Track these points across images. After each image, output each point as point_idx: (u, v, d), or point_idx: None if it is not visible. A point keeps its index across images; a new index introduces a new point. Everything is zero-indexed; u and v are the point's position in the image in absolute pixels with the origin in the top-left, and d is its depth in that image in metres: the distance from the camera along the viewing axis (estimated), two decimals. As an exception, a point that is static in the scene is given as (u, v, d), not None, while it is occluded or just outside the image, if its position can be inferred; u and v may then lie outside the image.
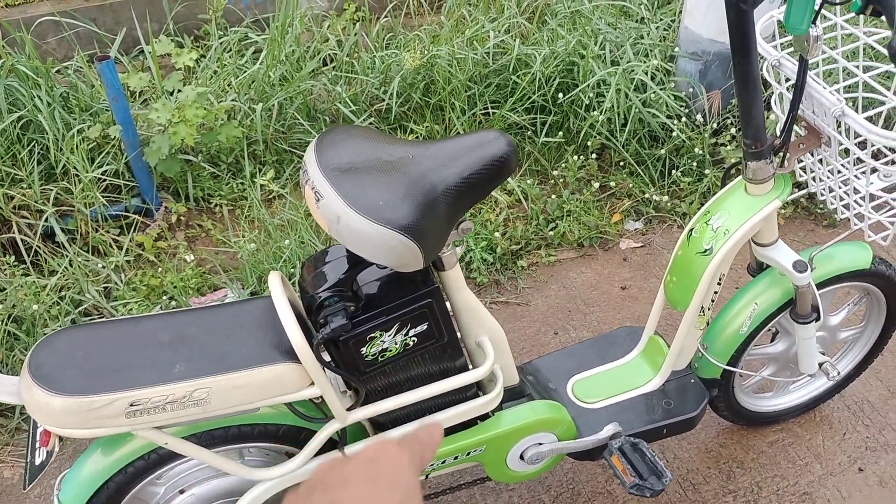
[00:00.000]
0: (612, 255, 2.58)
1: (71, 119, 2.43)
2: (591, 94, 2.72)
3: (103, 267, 2.25)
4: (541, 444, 1.57)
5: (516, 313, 2.38)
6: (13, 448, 2.01)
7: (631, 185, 2.72)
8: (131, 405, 1.15)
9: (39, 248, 2.23)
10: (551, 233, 2.57)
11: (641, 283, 2.46)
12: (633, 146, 2.75)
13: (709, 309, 1.61)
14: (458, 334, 1.42)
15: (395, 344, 1.30)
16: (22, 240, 2.22)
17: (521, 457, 1.58)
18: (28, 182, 2.25)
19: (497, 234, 2.46)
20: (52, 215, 2.25)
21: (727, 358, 1.69)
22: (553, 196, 2.65)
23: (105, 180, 2.40)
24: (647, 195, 2.69)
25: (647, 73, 2.71)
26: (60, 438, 1.21)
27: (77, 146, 2.28)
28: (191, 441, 1.28)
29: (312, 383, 1.26)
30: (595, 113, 2.68)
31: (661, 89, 2.72)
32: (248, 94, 2.71)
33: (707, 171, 2.66)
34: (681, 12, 2.90)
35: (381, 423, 1.43)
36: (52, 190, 2.29)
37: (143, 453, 1.31)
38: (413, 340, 1.31)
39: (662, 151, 2.72)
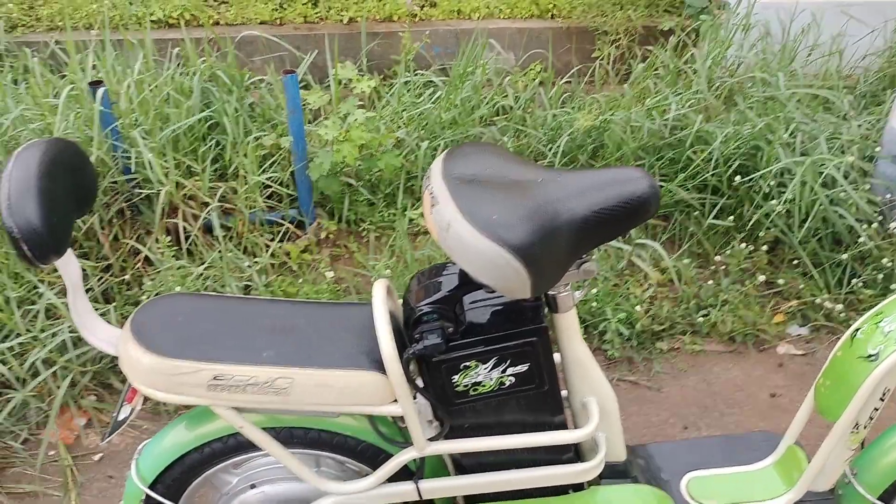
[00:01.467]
0: (767, 358, 2.33)
1: (252, 126, 2.58)
2: (772, 183, 2.52)
3: (249, 266, 2.34)
4: (638, 533, 1.40)
5: (644, 396, 2.19)
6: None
7: (802, 287, 2.46)
8: (215, 378, 1.14)
9: (197, 237, 2.35)
10: (700, 319, 2.36)
11: (796, 395, 2.19)
12: (812, 245, 2.50)
13: (865, 427, 1.38)
14: (563, 390, 1.30)
15: (490, 379, 1.21)
16: (184, 227, 2.36)
17: (613, 545, 1.41)
18: (201, 177, 2.40)
19: (639, 308, 2.30)
20: (216, 209, 2.38)
21: (880, 491, 1.43)
22: (710, 282, 2.45)
23: (270, 187, 2.52)
24: (818, 300, 2.42)
25: (839, 169, 2.47)
26: (145, 399, 1.22)
27: (251, 151, 2.41)
28: (269, 434, 1.25)
29: (396, 400, 1.19)
30: (773, 202, 2.47)
31: (853, 188, 2.46)
32: (417, 132, 2.76)
33: (894, 287, 2.36)
34: (889, 113, 2.64)
35: (463, 466, 1.33)
36: (220, 187, 2.43)
37: (222, 435, 1.30)
38: (510, 380, 1.22)
39: (845, 256, 2.44)
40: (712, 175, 2.64)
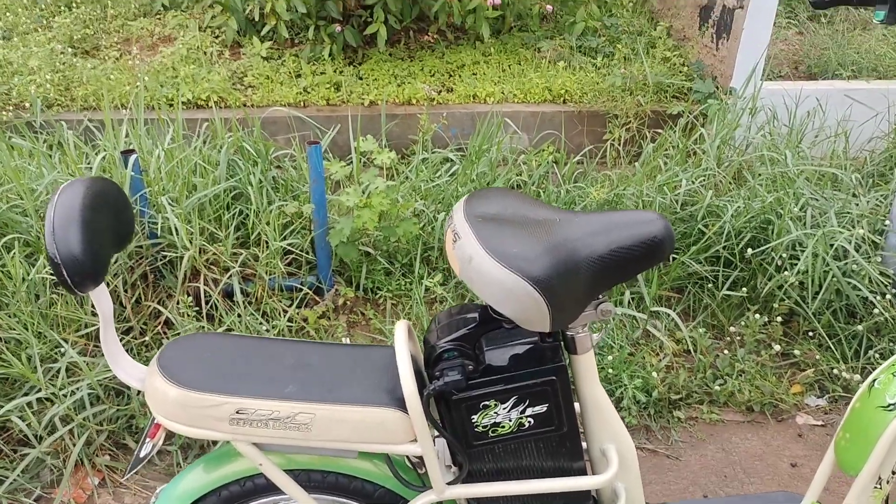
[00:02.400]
0: (786, 428, 2.30)
1: (275, 197, 2.66)
2: (785, 255, 2.55)
3: (267, 330, 2.37)
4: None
5: (664, 465, 2.16)
6: (139, 479, 2.08)
7: (818, 357, 2.46)
8: (237, 412, 1.15)
9: (217, 301, 2.39)
10: (717, 388, 2.35)
11: (816, 464, 2.16)
12: (827, 317, 2.51)
13: (888, 482, 1.36)
14: (582, 435, 1.31)
15: (510, 420, 1.22)
16: (205, 291, 2.40)
17: None
18: (224, 243, 2.46)
19: (655, 375, 2.30)
20: (237, 275, 2.42)
21: (908, 551, 1.40)
22: (726, 352, 2.45)
23: (290, 253, 2.58)
24: (835, 370, 2.41)
25: (850, 242, 2.51)
26: (167, 436, 1.24)
27: (273, 218, 2.48)
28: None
29: (415, 440, 1.20)
30: (786, 273, 2.49)
31: (865, 260, 2.49)
32: (434, 204, 2.84)
33: (911, 357, 2.35)
34: (896, 189, 2.70)
35: (482, 512, 1.32)
36: (241, 253, 2.49)
37: (241, 478, 1.30)
38: (529, 421, 1.22)
39: (860, 328, 2.45)
40: (724, 248, 2.68)
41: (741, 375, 2.39)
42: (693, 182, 2.89)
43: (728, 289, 2.63)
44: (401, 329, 1.23)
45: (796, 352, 2.47)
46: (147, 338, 2.33)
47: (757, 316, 2.49)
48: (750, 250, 2.62)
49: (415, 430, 1.18)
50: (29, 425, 2.00)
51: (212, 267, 2.49)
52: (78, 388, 2.06)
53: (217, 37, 4.20)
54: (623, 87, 3.73)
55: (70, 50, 3.89)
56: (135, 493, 2.04)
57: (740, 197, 2.77)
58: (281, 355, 1.27)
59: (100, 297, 1.14)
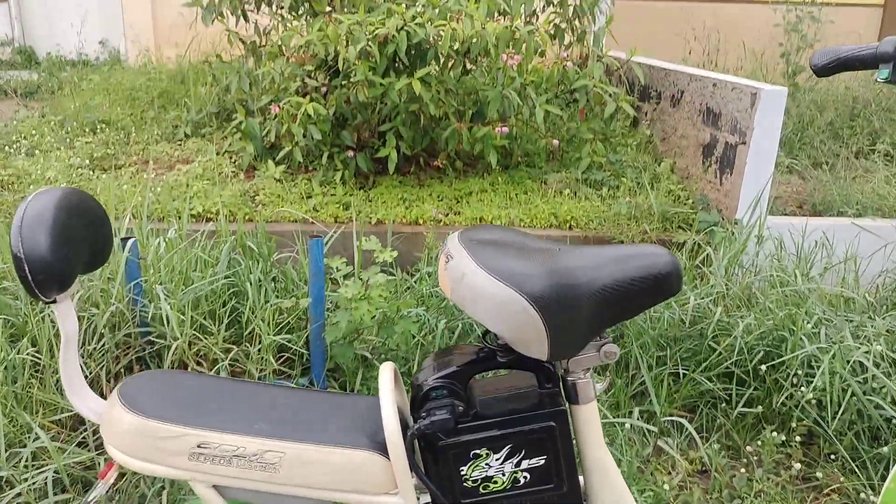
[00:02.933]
0: (813, 557, 2.09)
1: (273, 296, 2.61)
2: (800, 373, 2.43)
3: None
4: None
5: (678, 590, 1.94)
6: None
7: (843, 481, 2.27)
8: (199, 446, 1.04)
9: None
10: (735, 506, 2.16)
11: None
12: (849, 438, 2.35)
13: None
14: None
15: (503, 474, 1.09)
16: (191, 384, 2.29)
17: None
18: (216, 337, 2.38)
19: (667, 487, 2.12)
20: (225, 369, 2.32)
21: None
22: (743, 470, 2.28)
23: (285, 350, 2.49)
24: (862, 495, 2.22)
25: (868, 359, 2.40)
26: (120, 474, 1.11)
27: (269, 314, 2.41)
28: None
29: (396, 490, 1.07)
30: (804, 389, 2.37)
31: (886, 377, 2.37)
32: (436, 312, 2.77)
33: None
34: (913, 308, 2.62)
35: (470, 592, 1.15)
36: (234, 349, 2.40)
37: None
38: (525, 476, 1.10)
39: (885, 450, 2.28)
40: (736, 364, 2.57)
41: (760, 496, 2.20)
42: (701, 299, 2.82)
43: (743, 406, 2.49)
44: (386, 370, 1.14)
45: (818, 474, 2.29)
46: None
47: (774, 434, 2.34)
48: (763, 367, 2.50)
49: (396, 477, 1.06)
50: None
51: (200, 361, 2.39)
52: (42, 474, 1.91)
53: (234, 161, 4.33)
54: (628, 215, 3.75)
55: (88, 163, 4.00)
56: None
57: (751, 314, 2.70)
58: (254, 395, 1.17)
59: (64, 312, 1.07)
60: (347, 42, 3.38)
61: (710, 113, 4.01)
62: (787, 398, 2.44)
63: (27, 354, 2.14)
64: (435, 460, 1.09)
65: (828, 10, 5.54)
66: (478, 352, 1.11)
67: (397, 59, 3.74)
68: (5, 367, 2.12)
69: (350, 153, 4.05)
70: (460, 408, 1.08)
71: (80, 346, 2.22)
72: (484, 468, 1.09)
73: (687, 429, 2.50)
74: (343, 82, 3.73)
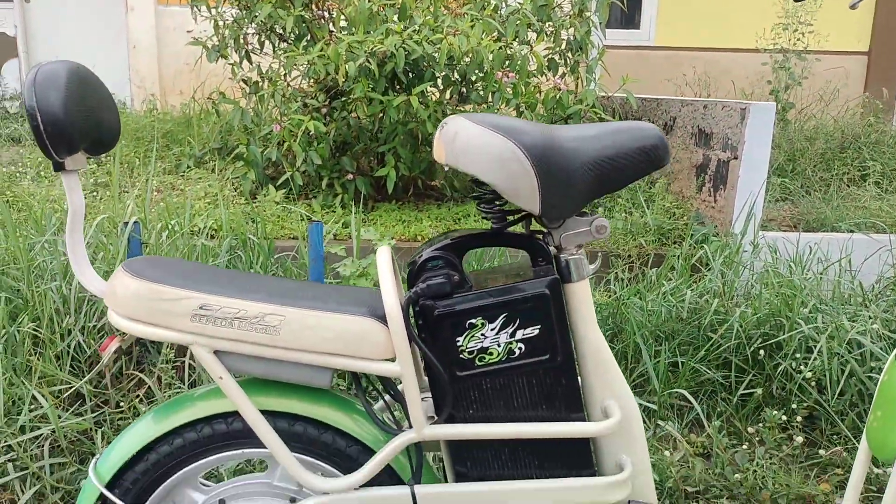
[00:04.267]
0: (818, 528, 2.05)
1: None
2: (798, 356, 2.44)
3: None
4: (676, 584, 1.14)
5: (682, 554, 1.90)
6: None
7: (845, 456, 2.25)
8: (201, 307, 1.07)
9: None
10: (738, 476, 2.13)
11: (857, 559, 1.89)
12: (851, 418, 2.34)
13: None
14: (580, 384, 1.18)
15: (498, 346, 1.11)
16: (189, 364, 2.30)
17: None
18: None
19: (668, 455, 2.10)
20: (225, 351, 2.33)
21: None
22: (745, 446, 2.26)
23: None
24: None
25: (866, 335, 2.41)
26: (118, 350, 1.13)
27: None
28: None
29: (393, 359, 1.09)
30: (804, 369, 2.37)
31: (884, 353, 2.37)
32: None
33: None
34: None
35: (463, 474, 1.15)
36: (233, 333, 2.41)
37: (196, 419, 1.16)
38: (519, 348, 1.11)
39: (888, 426, 2.27)
40: (734, 353, 2.57)
41: (763, 469, 2.17)
42: (700, 294, 2.84)
43: (742, 392, 2.48)
44: (384, 251, 1.17)
45: (822, 451, 2.27)
46: (123, 407, 2.19)
47: (775, 413, 2.33)
48: (762, 352, 2.51)
49: (394, 344, 1.08)
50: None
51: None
52: (43, 437, 1.90)
53: (236, 188, 4.40)
54: (625, 230, 3.81)
55: (92, 184, 4.07)
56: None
57: (747, 304, 2.71)
58: (255, 277, 1.19)
59: (72, 184, 1.11)
60: (347, 60, 3.50)
61: (701, 134, 4.11)
62: (786, 381, 2.44)
63: (28, 328, 2.15)
64: (431, 332, 1.11)
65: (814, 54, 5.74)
66: (472, 236, 1.15)
67: (396, 81, 3.86)
68: (6, 340, 2.13)
69: (350, 177, 4.12)
70: (455, 277, 1.10)
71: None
72: (479, 339, 1.11)
73: (686, 415, 2.49)
74: (343, 101, 3.84)
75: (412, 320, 1.11)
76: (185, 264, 1.20)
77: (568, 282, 1.16)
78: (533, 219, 1.18)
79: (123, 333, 1.16)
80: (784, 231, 4.10)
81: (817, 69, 5.67)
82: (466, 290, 1.11)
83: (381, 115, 3.80)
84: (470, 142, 1.04)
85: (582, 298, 1.17)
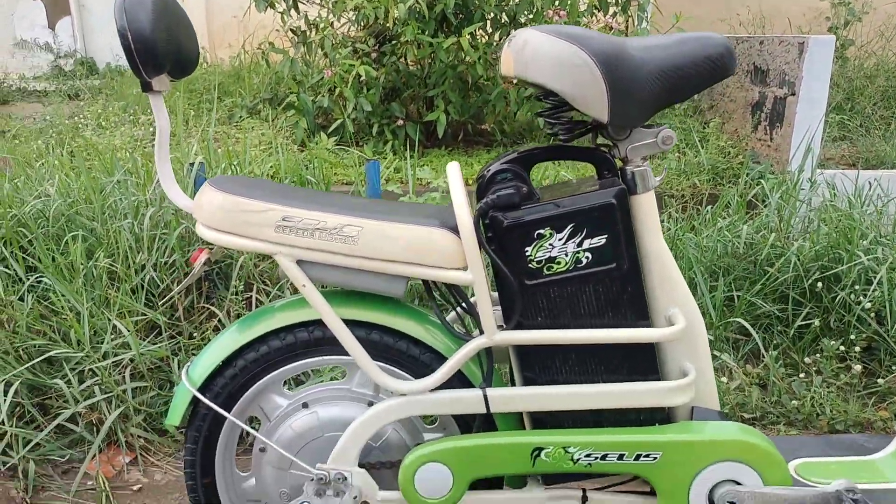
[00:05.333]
0: (876, 453, 2.06)
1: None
2: (857, 287, 2.42)
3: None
4: (739, 482, 1.19)
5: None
6: (172, 460, 1.97)
7: (905, 385, 2.25)
8: (284, 219, 1.13)
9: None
10: (794, 403, 2.15)
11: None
12: (911, 348, 2.33)
13: None
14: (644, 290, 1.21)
15: (565, 255, 1.15)
16: (256, 300, 2.39)
17: (711, 501, 1.20)
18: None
19: (724, 381, 2.13)
20: (288, 288, 2.41)
21: None
22: (803, 374, 2.28)
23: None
24: (927, 398, 2.19)
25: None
26: (208, 260, 1.20)
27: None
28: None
29: (465, 268, 1.13)
30: (863, 300, 2.36)
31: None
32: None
33: None
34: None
35: (531, 379, 1.20)
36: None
37: (280, 327, 1.23)
38: (586, 257, 1.15)
39: (949, 356, 2.26)
40: (792, 287, 2.56)
41: (820, 396, 2.19)
42: (756, 230, 2.83)
43: (799, 329, 2.48)
44: (454, 166, 1.21)
45: (880, 381, 2.27)
46: (196, 338, 2.30)
47: (833, 343, 2.33)
48: (819, 284, 2.50)
49: (466, 253, 1.12)
50: (69, 384, 1.95)
51: (266, 281, 2.49)
52: (123, 360, 2.02)
53: (288, 136, 4.47)
54: (678, 170, 3.77)
55: (151, 133, 4.19)
56: (165, 471, 1.93)
57: (805, 238, 2.69)
58: (331, 195, 1.25)
59: (158, 105, 1.17)
60: (397, 2, 3.51)
61: (757, 71, 4.02)
62: (844, 312, 2.43)
63: (104, 264, 2.26)
64: (500, 242, 1.15)
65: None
66: (538, 146, 1.18)
67: (445, 24, 3.85)
68: (85, 275, 2.24)
69: (399, 123, 4.15)
70: (524, 189, 1.14)
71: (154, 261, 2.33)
72: (547, 248, 1.15)
73: (741, 348, 2.50)
74: (393, 46, 3.85)
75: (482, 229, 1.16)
76: (266, 182, 1.26)
77: (633, 193, 1.19)
78: (599, 134, 1.21)
79: (211, 246, 1.23)
80: (842, 169, 4.02)
81: (878, 3, 5.46)
82: (534, 202, 1.15)
83: (430, 58, 3.81)
84: (539, 50, 1.06)
85: (647, 210, 1.19)
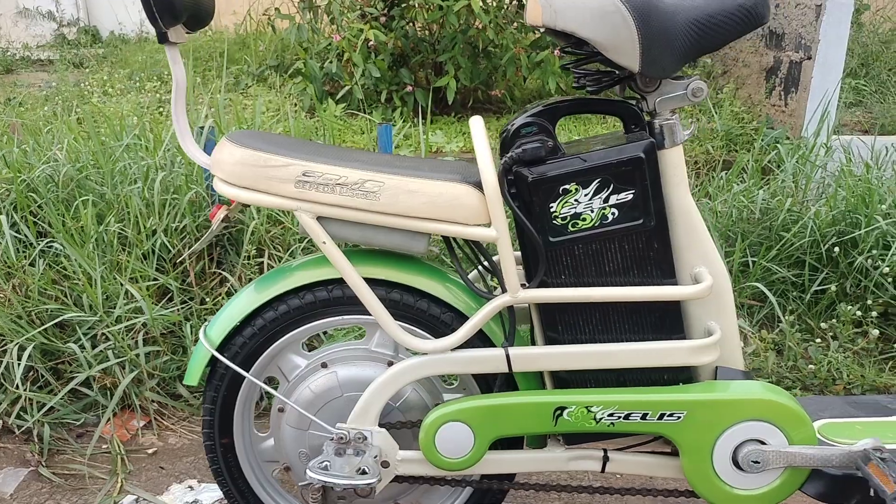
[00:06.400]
0: (894, 417, 2.05)
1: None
2: (875, 252, 2.39)
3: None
4: (764, 442, 1.17)
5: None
6: (186, 424, 1.97)
7: (923, 350, 2.23)
8: (304, 174, 1.10)
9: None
10: (811, 367, 2.14)
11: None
12: (928, 314, 2.31)
13: None
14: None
15: (591, 211, 1.12)
16: (268, 265, 2.37)
17: (735, 461, 1.18)
18: (292, 223, 2.46)
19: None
20: (300, 252, 2.40)
21: None
22: (819, 340, 2.26)
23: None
24: (945, 362, 2.18)
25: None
26: (227, 217, 1.18)
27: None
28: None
29: (488, 224, 1.11)
30: (881, 264, 2.33)
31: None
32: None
33: None
34: None
35: (554, 339, 1.18)
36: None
37: (299, 286, 1.21)
38: (613, 213, 1.12)
39: (968, 321, 2.23)
40: (808, 252, 2.53)
41: (837, 361, 2.17)
42: (772, 195, 2.79)
43: (815, 294, 2.46)
44: (477, 120, 1.18)
45: (897, 346, 2.26)
46: (209, 303, 2.29)
47: (850, 307, 2.31)
48: (836, 249, 2.47)
49: (490, 210, 1.10)
50: (82, 348, 1.94)
51: (277, 246, 2.47)
52: (137, 325, 2.01)
53: (295, 103, 4.43)
54: (692, 136, 3.72)
55: (158, 100, 4.15)
56: (179, 434, 1.92)
57: (821, 202, 2.66)
58: (351, 150, 1.22)
59: (174, 57, 1.14)
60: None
61: (772, 35, 3.95)
62: (861, 277, 2.40)
63: (115, 229, 2.24)
64: (525, 198, 1.12)
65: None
66: (564, 98, 1.15)
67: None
68: (95, 240, 2.23)
69: (409, 89, 4.10)
70: (549, 143, 1.11)
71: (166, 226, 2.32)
72: (573, 204, 1.12)
73: (756, 314, 2.48)
74: (402, 10, 3.79)
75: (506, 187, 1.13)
76: (285, 137, 1.24)
77: (661, 148, 1.16)
78: (627, 87, 1.18)
79: (229, 202, 1.21)
80: (857, 135, 3.96)
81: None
82: (560, 156, 1.12)
83: (440, 23, 3.75)
84: (567, 2, 1.03)
85: (675, 164, 1.16)
